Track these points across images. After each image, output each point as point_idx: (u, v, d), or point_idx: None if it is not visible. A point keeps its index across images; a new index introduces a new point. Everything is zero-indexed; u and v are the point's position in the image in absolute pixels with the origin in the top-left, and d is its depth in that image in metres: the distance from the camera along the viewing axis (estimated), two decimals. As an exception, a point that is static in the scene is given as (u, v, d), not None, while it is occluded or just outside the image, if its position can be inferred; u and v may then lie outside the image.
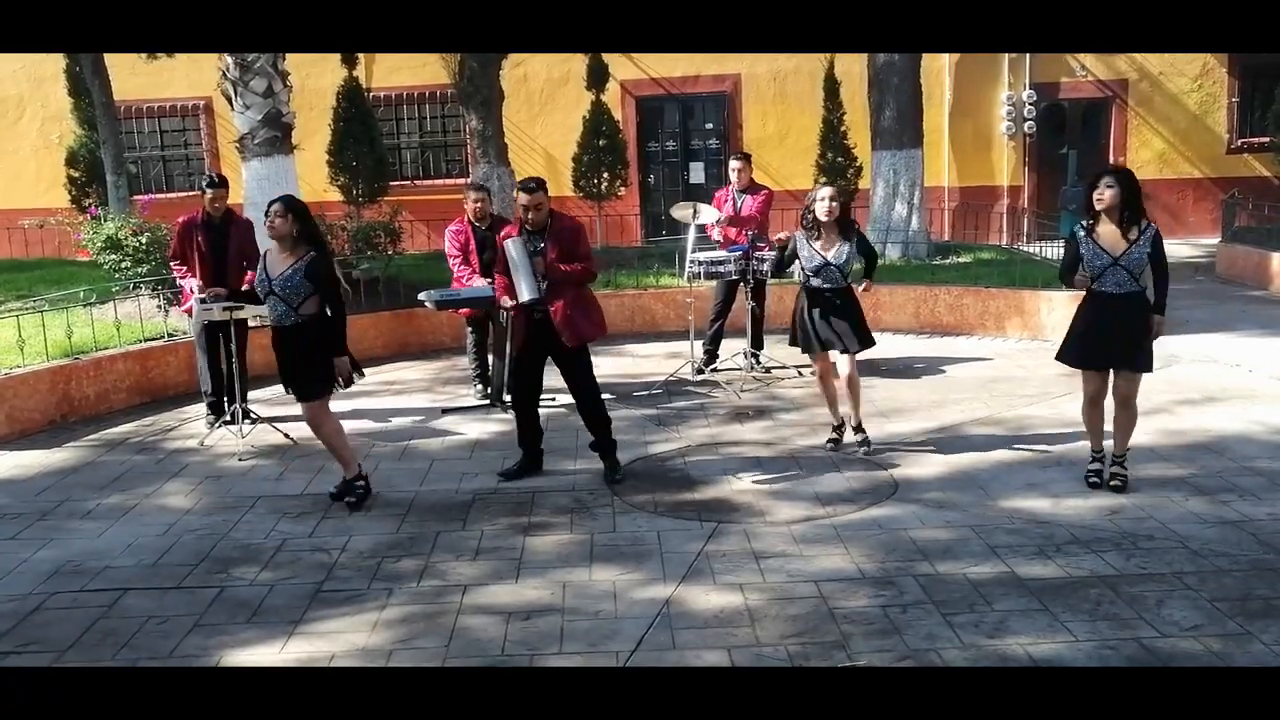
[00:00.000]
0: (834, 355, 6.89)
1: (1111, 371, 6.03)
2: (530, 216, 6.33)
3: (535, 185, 6.34)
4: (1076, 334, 6.11)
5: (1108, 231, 5.85)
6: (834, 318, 6.80)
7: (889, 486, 6.34)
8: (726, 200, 9.39)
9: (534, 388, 6.60)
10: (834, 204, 6.75)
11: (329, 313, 6.14)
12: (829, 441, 7.10)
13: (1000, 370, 9.28)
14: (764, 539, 5.58)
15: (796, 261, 6.98)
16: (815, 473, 6.63)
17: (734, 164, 9.46)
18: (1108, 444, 6.18)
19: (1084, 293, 6.08)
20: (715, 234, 9.41)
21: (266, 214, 6.06)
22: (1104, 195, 5.79)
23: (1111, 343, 5.93)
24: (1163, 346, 9.67)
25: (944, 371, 9.31)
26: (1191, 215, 17.81)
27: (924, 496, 6.13)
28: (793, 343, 7.13)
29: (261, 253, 6.34)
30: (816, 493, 6.27)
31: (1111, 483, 6.07)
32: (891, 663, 4.26)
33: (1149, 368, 6.00)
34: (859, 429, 6.97)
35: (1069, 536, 5.45)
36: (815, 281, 6.84)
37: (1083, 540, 5.39)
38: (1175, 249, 16.62)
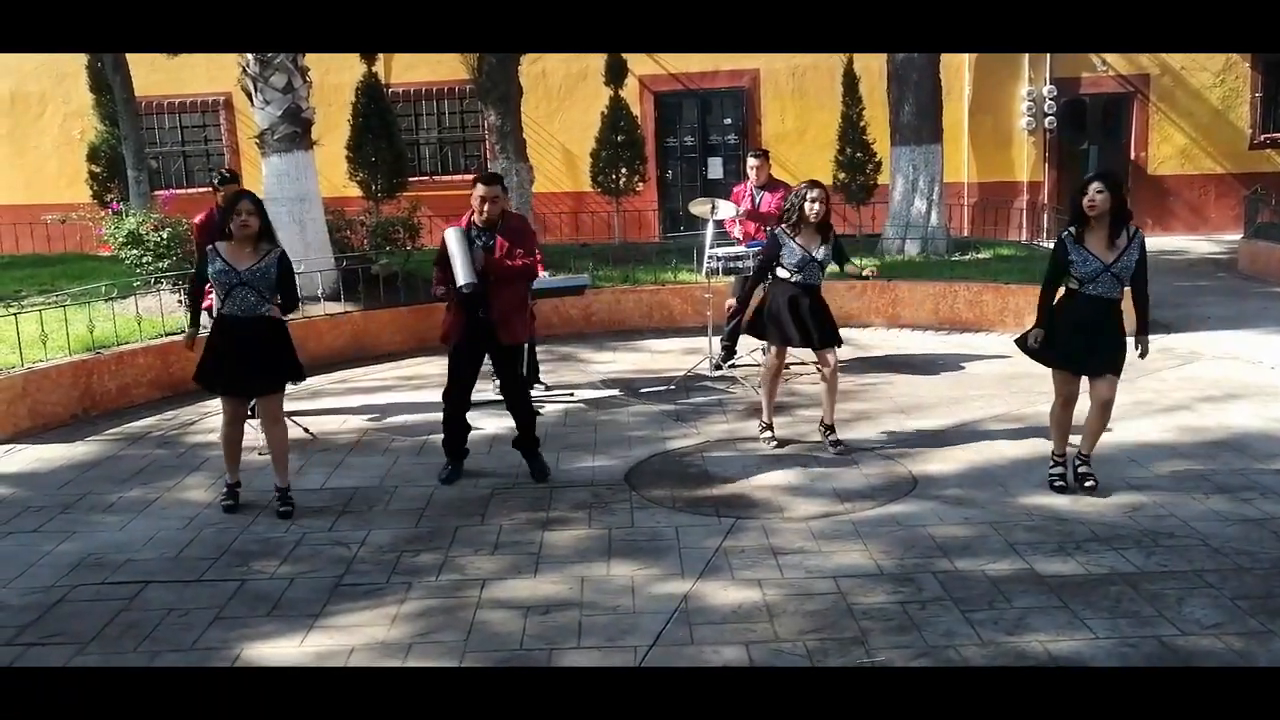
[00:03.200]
0: (805, 352, 6.92)
1: (1088, 376, 5.94)
2: (486, 209, 6.27)
3: (494, 178, 6.37)
4: (1060, 334, 5.92)
5: (1098, 237, 5.76)
6: (812, 314, 6.88)
7: (908, 483, 6.32)
8: (744, 195, 9.39)
9: (469, 385, 6.64)
10: (821, 206, 6.81)
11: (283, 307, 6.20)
12: (769, 439, 7.10)
13: (1019, 367, 9.20)
14: (782, 535, 5.57)
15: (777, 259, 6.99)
16: (833, 469, 6.62)
17: (752, 161, 9.45)
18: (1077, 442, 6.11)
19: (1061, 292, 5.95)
20: (735, 231, 9.40)
21: (236, 211, 5.95)
22: (1095, 201, 5.68)
23: (1096, 348, 5.84)
24: (1183, 343, 9.66)
25: (963, 368, 9.29)
26: (1213, 211, 17.71)
27: (943, 493, 6.12)
28: (754, 333, 7.21)
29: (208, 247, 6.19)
30: (835, 489, 6.26)
31: (1086, 484, 6.01)
32: (910, 659, 4.25)
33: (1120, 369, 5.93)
34: (831, 428, 7.03)
35: (1089, 534, 5.43)
36: (797, 277, 6.88)
37: (1102, 537, 5.37)
38: (1197, 245, 16.57)
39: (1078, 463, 6.11)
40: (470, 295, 6.18)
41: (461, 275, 6.16)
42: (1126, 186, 5.80)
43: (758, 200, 9.29)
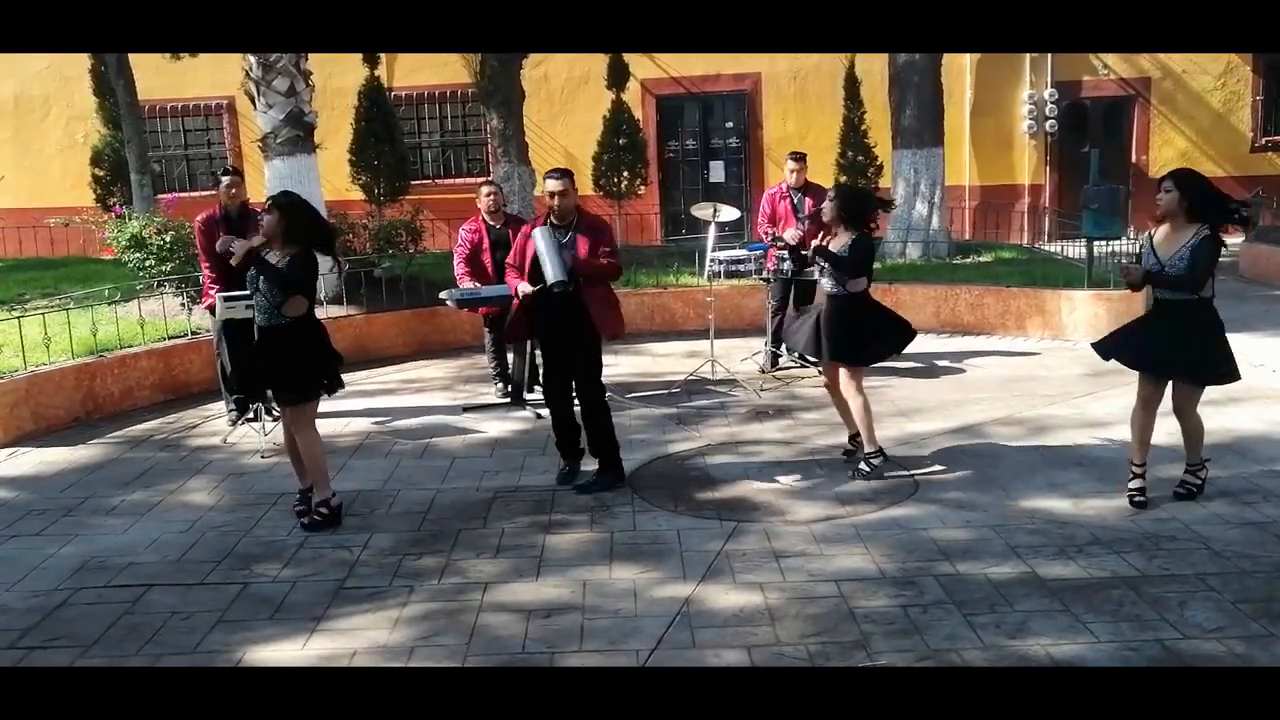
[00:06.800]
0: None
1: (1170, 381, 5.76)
2: (557, 203, 6.23)
3: (561, 172, 6.29)
4: (1128, 329, 5.83)
5: (1162, 234, 5.63)
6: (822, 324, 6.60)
7: (909, 486, 6.33)
8: (780, 199, 9.28)
9: (568, 383, 6.47)
10: (827, 203, 6.56)
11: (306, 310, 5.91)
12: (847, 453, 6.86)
13: (1021, 369, 9.25)
14: (784, 538, 5.58)
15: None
16: (835, 472, 6.62)
17: (791, 165, 9.33)
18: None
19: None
20: (763, 230, 9.28)
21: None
22: (1160, 199, 5.57)
23: (1161, 348, 5.65)
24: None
25: (964, 371, 9.29)
26: (1215, 214, 17.69)
27: (944, 496, 6.12)
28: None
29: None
30: (836, 492, 6.26)
31: (1176, 489, 5.88)
32: (912, 663, 4.26)
33: (1207, 379, 5.72)
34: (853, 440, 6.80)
35: (1090, 537, 5.43)
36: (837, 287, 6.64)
37: (1104, 541, 5.37)
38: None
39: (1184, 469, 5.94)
40: (561, 294, 6.13)
41: (554, 272, 6.12)
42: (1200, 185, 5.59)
43: (796, 202, 9.22)
